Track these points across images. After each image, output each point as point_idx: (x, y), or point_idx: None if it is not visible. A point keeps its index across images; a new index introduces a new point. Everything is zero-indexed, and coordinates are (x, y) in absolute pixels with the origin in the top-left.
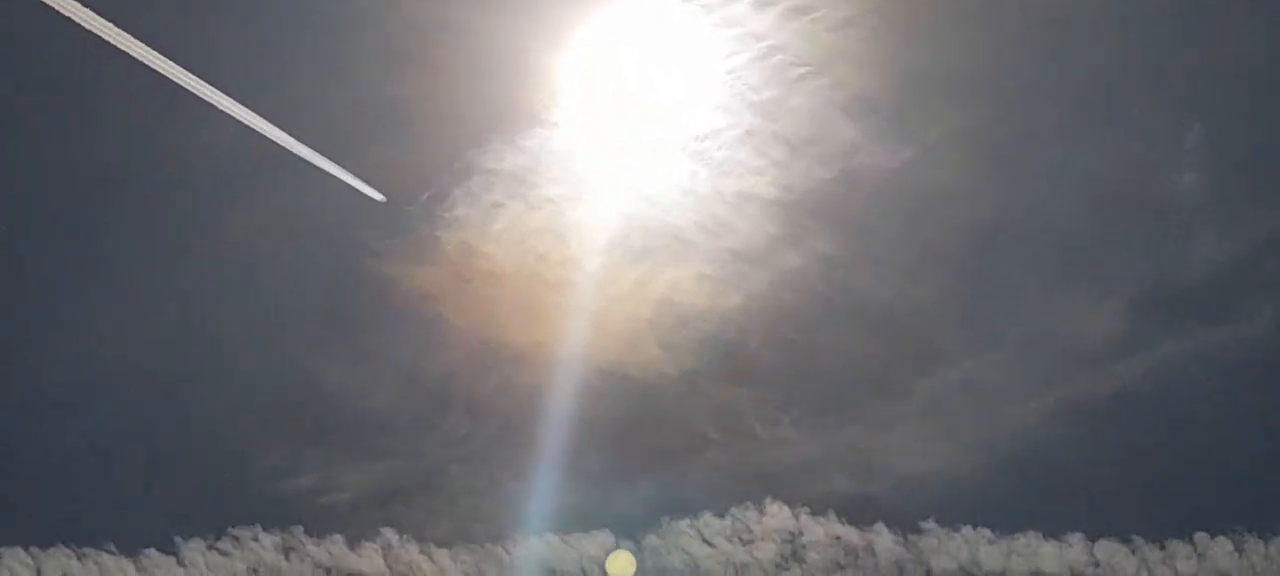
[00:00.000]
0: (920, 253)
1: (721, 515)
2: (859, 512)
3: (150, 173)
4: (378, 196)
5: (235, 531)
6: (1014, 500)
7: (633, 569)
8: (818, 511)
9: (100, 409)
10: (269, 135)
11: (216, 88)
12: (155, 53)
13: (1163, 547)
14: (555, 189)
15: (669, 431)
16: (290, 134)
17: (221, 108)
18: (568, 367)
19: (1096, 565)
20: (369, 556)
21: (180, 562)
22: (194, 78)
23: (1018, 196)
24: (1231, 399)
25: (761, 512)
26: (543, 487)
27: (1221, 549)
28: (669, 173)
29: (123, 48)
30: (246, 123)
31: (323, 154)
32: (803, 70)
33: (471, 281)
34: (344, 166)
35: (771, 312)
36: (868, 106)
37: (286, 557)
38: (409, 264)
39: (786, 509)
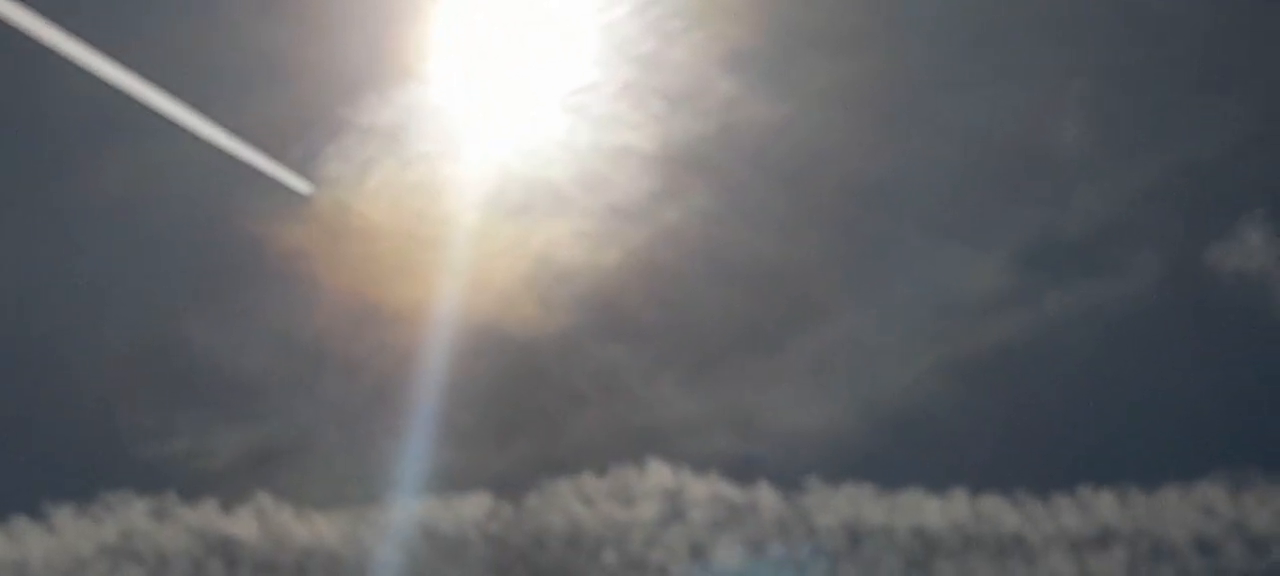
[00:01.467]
0: (800, 207)
1: (601, 475)
2: (741, 471)
3: (7, 127)
4: (304, 187)
5: (106, 496)
6: (897, 456)
7: None
8: (699, 470)
9: None
10: (131, 89)
11: (70, 33)
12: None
13: (1046, 501)
14: (430, 145)
15: (547, 390)
16: (159, 87)
17: (83, 61)
18: (444, 326)
19: (980, 519)
20: (243, 520)
21: (50, 529)
22: (44, 22)
23: (898, 149)
24: (1114, 352)
25: (642, 472)
26: (419, 449)
27: (1105, 501)
28: (546, 127)
29: None
30: (111, 78)
31: (192, 108)
32: (680, 23)
33: (345, 240)
34: (210, 119)
35: (650, 269)
36: (746, 59)
37: (159, 522)
38: (280, 220)
39: (667, 468)
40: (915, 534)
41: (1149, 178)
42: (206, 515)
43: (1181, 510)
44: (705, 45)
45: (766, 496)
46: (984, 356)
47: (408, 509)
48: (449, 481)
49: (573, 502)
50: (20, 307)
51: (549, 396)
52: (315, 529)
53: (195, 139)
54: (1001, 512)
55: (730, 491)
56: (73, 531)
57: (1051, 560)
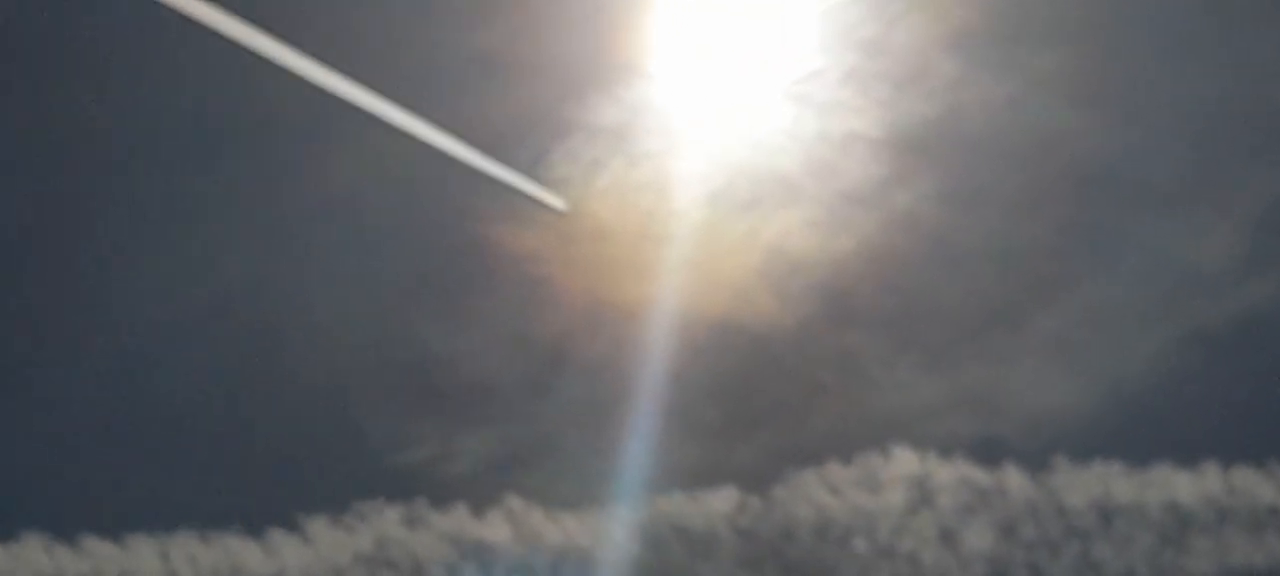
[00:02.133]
0: (1031, 186)
1: (847, 463)
2: (987, 453)
3: (239, 137)
4: (557, 204)
5: (358, 505)
6: (1145, 431)
7: None
8: (945, 454)
9: (210, 388)
10: (366, 102)
11: (305, 54)
12: (236, 19)
13: None
14: (656, 142)
15: (787, 381)
16: (384, 95)
17: (307, 71)
18: (680, 322)
19: (1232, 492)
20: (495, 523)
21: (306, 540)
22: (280, 44)
23: (1129, 120)
24: None
25: (887, 458)
26: (663, 445)
27: None
28: (772, 118)
29: (205, 19)
30: (341, 90)
31: (423, 116)
32: (902, 5)
33: (577, 240)
34: (437, 124)
35: (884, 255)
36: (970, 39)
37: (412, 529)
38: (511, 223)
39: (913, 453)
40: (1167, 509)
41: None
42: (458, 520)
43: None
44: (927, 27)
45: (1013, 478)
46: (1229, 325)
47: (655, 506)
48: (695, 477)
49: (819, 492)
50: (256, 321)
51: (789, 387)
52: (566, 528)
53: (427, 146)
54: (1256, 484)
55: (977, 474)
56: (328, 542)
57: None
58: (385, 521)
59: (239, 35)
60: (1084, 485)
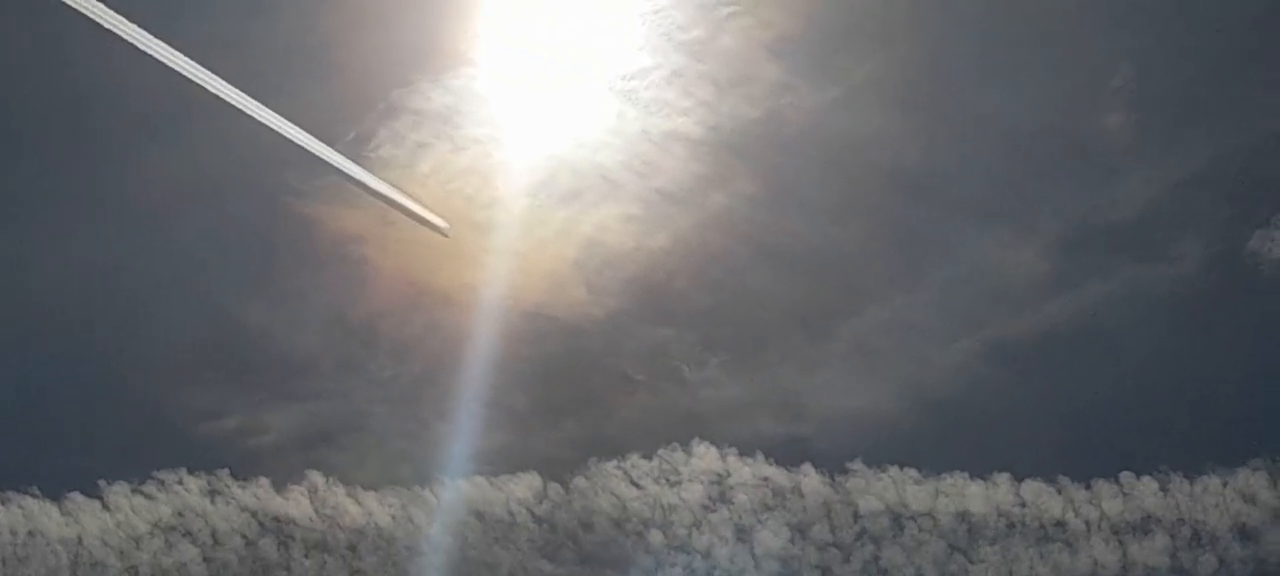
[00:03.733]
0: (846, 193)
1: (649, 457)
2: (786, 454)
3: (64, 111)
4: (441, 223)
5: (160, 474)
6: (941, 441)
7: None
8: (745, 453)
9: (19, 353)
10: (191, 75)
11: (133, 22)
12: None
13: (1089, 487)
14: (481, 129)
15: (596, 373)
16: (213, 72)
17: (139, 44)
18: (494, 309)
19: (1023, 505)
20: (296, 499)
21: (105, 505)
22: (109, 11)
23: (944, 136)
24: (1158, 338)
25: (689, 454)
26: (469, 430)
27: (1147, 488)
28: (596, 113)
29: None
30: (167, 61)
31: (246, 92)
32: (729, 10)
33: (396, 223)
34: (265, 104)
35: (698, 253)
36: (794, 46)
37: (212, 500)
38: (333, 205)
39: (714, 450)
40: (958, 518)
41: (1194, 163)
42: (259, 493)
43: (1223, 497)
44: (753, 32)
45: (811, 479)
46: (1028, 342)
47: (458, 489)
48: (499, 462)
49: (621, 484)
50: (73, 290)
51: (597, 379)
52: (367, 507)
53: (255, 125)
54: (1044, 498)
55: (776, 474)
56: (128, 508)
57: (1094, 545)
58: (186, 491)
59: (74, 5)
60: (879, 489)
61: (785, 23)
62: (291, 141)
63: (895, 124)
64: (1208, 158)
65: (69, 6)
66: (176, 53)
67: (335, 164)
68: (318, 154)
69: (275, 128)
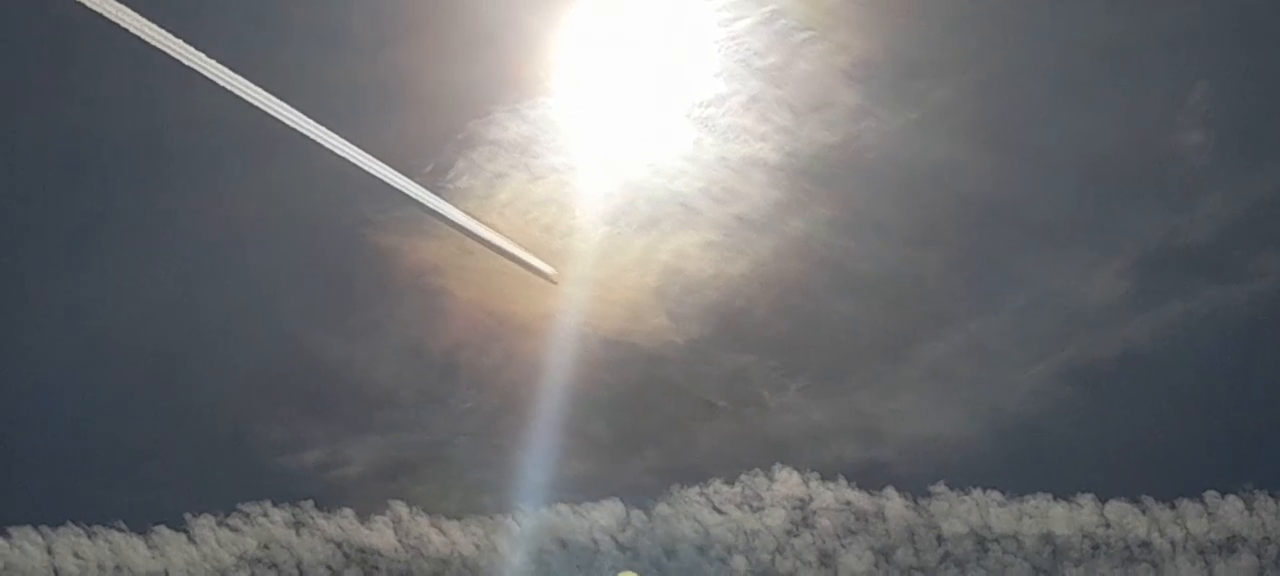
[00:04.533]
0: (924, 217)
1: (731, 482)
2: (868, 477)
3: (143, 145)
4: (547, 270)
5: (245, 507)
6: (1023, 463)
7: None
8: (827, 477)
9: (103, 387)
10: (269, 109)
11: (211, 57)
12: (147, 21)
13: (1173, 507)
14: (559, 158)
15: (676, 400)
16: (291, 105)
17: (217, 79)
18: (574, 338)
19: (1107, 526)
20: (380, 530)
21: (191, 539)
22: (188, 48)
23: (1021, 159)
24: (1239, 357)
25: (771, 479)
26: (550, 458)
27: (1232, 507)
28: (673, 140)
29: (113, 17)
30: (244, 95)
31: (324, 126)
32: (806, 34)
33: (475, 254)
34: (342, 136)
35: (777, 279)
36: (871, 71)
37: (297, 532)
38: (411, 236)
39: (796, 475)
40: (1043, 540)
41: (1270, 183)
42: (344, 525)
43: None
44: (830, 56)
45: (894, 503)
46: (1109, 363)
47: (540, 517)
48: (581, 490)
49: (703, 510)
50: (155, 324)
51: (677, 406)
52: (450, 537)
53: (332, 158)
54: (1129, 518)
55: (858, 498)
56: (214, 541)
57: (1179, 566)
58: (271, 523)
59: (152, 41)
60: (962, 512)
61: (861, 48)
62: (370, 173)
63: (972, 148)
64: None
65: (150, 44)
66: (255, 87)
67: (420, 199)
68: (396, 185)
69: (353, 160)
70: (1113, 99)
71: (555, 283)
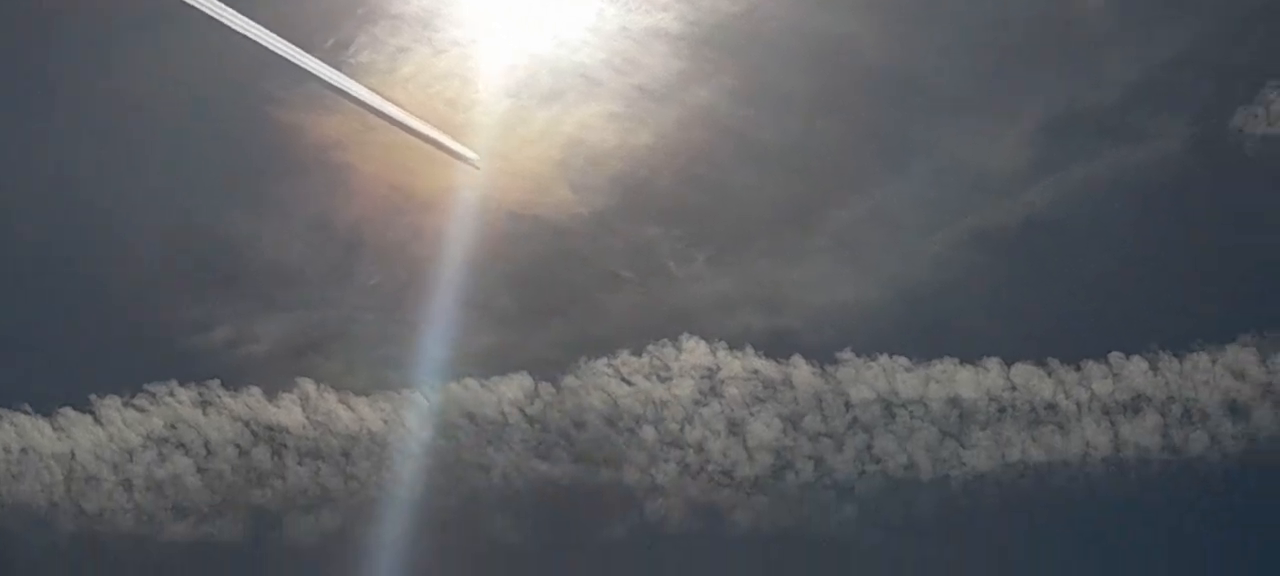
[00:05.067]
0: (827, 86)
1: (638, 353)
2: (776, 346)
3: (42, 19)
4: (471, 155)
5: (151, 387)
6: (929, 328)
7: None
8: (735, 346)
9: (3, 269)
10: None
11: None
12: None
13: (1078, 369)
14: (461, 32)
15: (583, 272)
16: None
17: None
18: (478, 212)
19: (1013, 388)
20: (287, 407)
21: (97, 420)
22: None
23: (924, 27)
24: (1143, 219)
25: (678, 349)
26: (458, 333)
27: (1136, 367)
28: (576, 11)
29: None
30: None
31: (225, 1)
32: None
33: (378, 129)
34: (243, 11)
35: (682, 150)
36: None
37: (204, 411)
38: (314, 112)
39: (703, 344)
40: (950, 404)
41: (1176, 44)
42: (251, 403)
43: (1212, 374)
44: None
45: (801, 371)
46: (1014, 228)
47: (449, 391)
48: (489, 364)
49: (611, 381)
50: (55, 203)
51: (584, 278)
52: (359, 413)
53: (236, 34)
54: (1034, 380)
55: (766, 366)
56: (120, 421)
57: (1085, 426)
58: (177, 402)
59: None
60: (869, 378)
61: None
62: (271, 50)
63: (875, 17)
64: (1189, 37)
65: None
66: None
67: (322, 75)
68: (298, 62)
69: (254, 37)
70: None
71: (478, 168)
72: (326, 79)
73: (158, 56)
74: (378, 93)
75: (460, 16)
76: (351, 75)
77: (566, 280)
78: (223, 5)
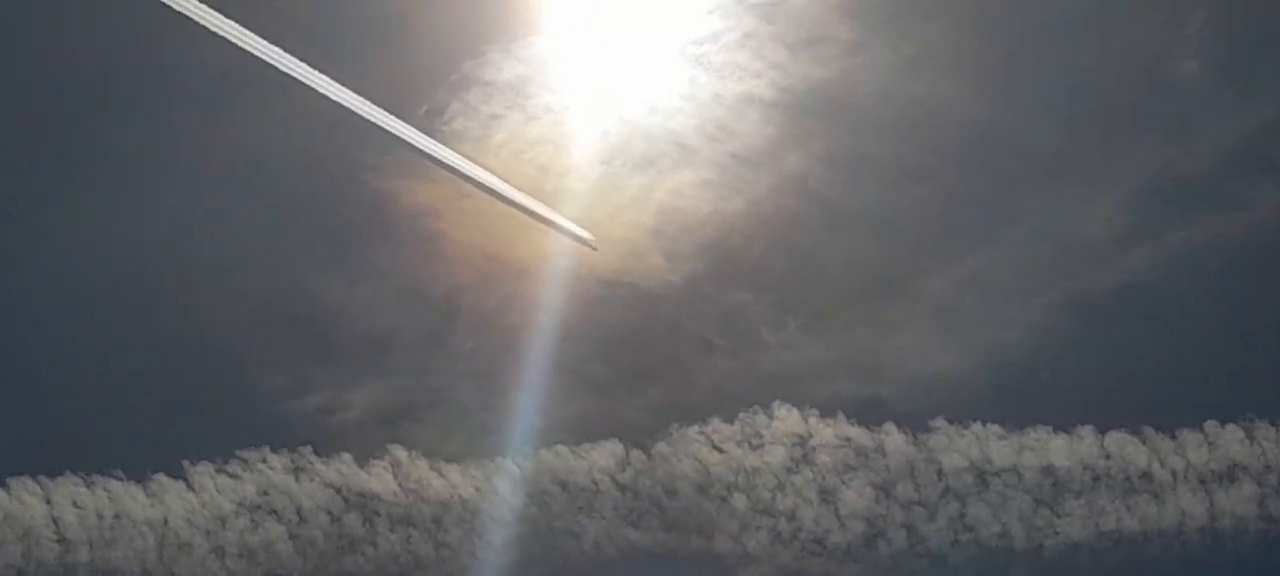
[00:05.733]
0: (919, 153)
1: (730, 421)
2: (868, 413)
3: (141, 88)
4: (587, 236)
5: (243, 453)
6: (1023, 395)
7: None
8: (827, 413)
9: (100, 333)
10: (263, 53)
11: (206, 3)
12: None
13: (1174, 437)
14: (553, 98)
15: (675, 339)
16: (285, 50)
17: (211, 24)
18: (571, 279)
19: (1108, 457)
20: (379, 474)
21: (190, 486)
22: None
23: (1016, 92)
24: (1238, 285)
25: (770, 417)
26: (550, 400)
27: (1232, 436)
28: (668, 78)
29: None
30: (239, 40)
31: (319, 69)
32: None
33: (472, 195)
34: (337, 79)
35: (774, 217)
36: (865, 5)
37: (296, 478)
38: (408, 179)
39: (795, 412)
40: (1043, 472)
41: (1271, 109)
42: (343, 470)
43: None
44: None
45: (894, 438)
46: (1109, 294)
47: (541, 459)
48: (581, 431)
49: (702, 448)
50: (153, 269)
51: (676, 345)
52: (450, 481)
53: (328, 101)
54: (1129, 449)
55: (858, 433)
56: (212, 488)
57: (1181, 495)
58: (270, 469)
59: None
60: (962, 446)
61: None
62: (365, 117)
63: (968, 83)
64: None
65: None
66: (249, 31)
67: (415, 142)
68: (391, 129)
69: (348, 104)
70: (1107, 30)
71: (595, 249)
72: (420, 146)
73: (253, 123)
74: (471, 159)
75: (553, 83)
76: (445, 142)
77: (658, 347)
78: (318, 73)
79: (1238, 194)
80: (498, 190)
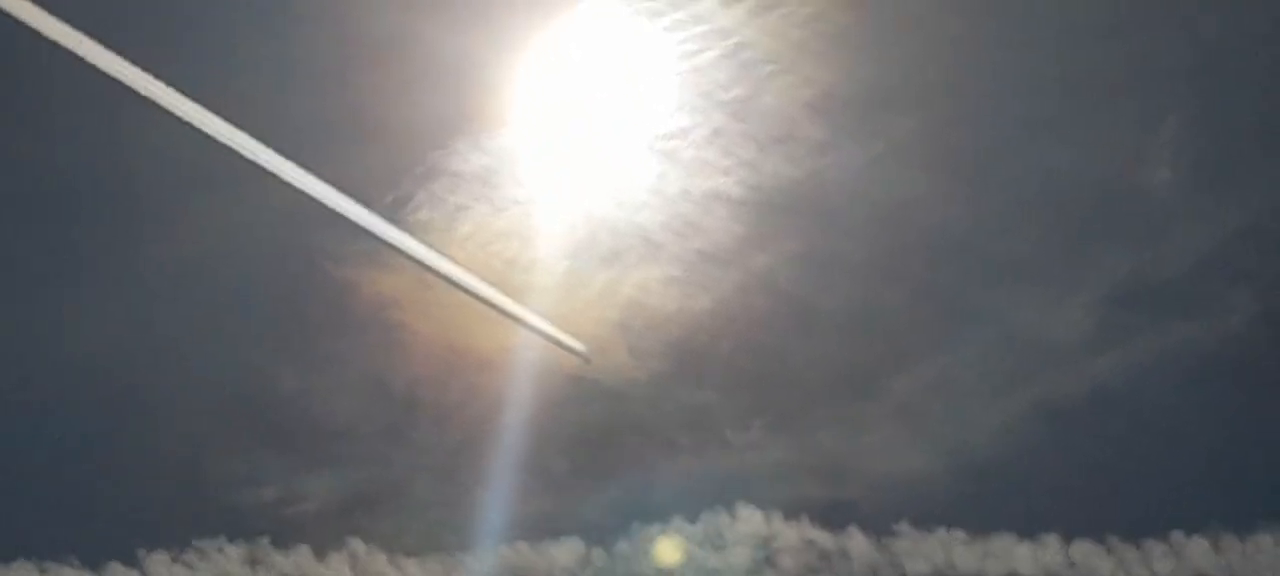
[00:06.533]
0: (889, 252)
1: (692, 520)
2: (832, 516)
3: (102, 177)
4: (580, 348)
5: (200, 543)
6: (988, 501)
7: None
8: (790, 515)
9: (56, 419)
10: (227, 140)
11: (170, 87)
12: (107, 50)
13: (1139, 547)
14: (520, 191)
15: (638, 437)
16: (249, 135)
17: (175, 110)
18: (535, 373)
19: (1072, 565)
20: (336, 567)
21: (144, 575)
22: (148, 77)
23: (987, 193)
24: (1207, 395)
25: (733, 517)
26: (511, 496)
27: (1198, 547)
28: (636, 173)
29: (75, 49)
30: (202, 126)
31: (284, 156)
32: (770, 67)
33: (435, 287)
34: (299, 166)
35: (741, 315)
36: (835, 104)
37: (253, 569)
38: (370, 269)
39: (759, 513)
40: None
41: (1242, 217)
42: (300, 562)
43: (1276, 554)
44: (794, 90)
45: (857, 542)
46: (1076, 400)
47: (500, 555)
48: (541, 528)
49: (664, 548)
50: (110, 357)
51: (640, 443)
52: (407, 574)
53: (288, 189)
54: (1094, 558)
55: (821, 536)
56: None
57: None
58: (226, 559)
59: (111, 72)
60: (926, 551)
61: (825, 81)
62: (329, 206)
63: (938, 182)
64: (1257, 210)
65: (109, 75)
66: (214, 117)
67: (379, 232)
68: (355, 218)
69: (312, 192)
70: (1080, 133)
71: (589, 362)
72: (384, 236)
73: (219, 211)
74: (437, 250)
75: (520, 176)
76: (410, 232)
77: (622, 444)
78: (284, 161)
79: (1208, 301)
80: (473, 288)
